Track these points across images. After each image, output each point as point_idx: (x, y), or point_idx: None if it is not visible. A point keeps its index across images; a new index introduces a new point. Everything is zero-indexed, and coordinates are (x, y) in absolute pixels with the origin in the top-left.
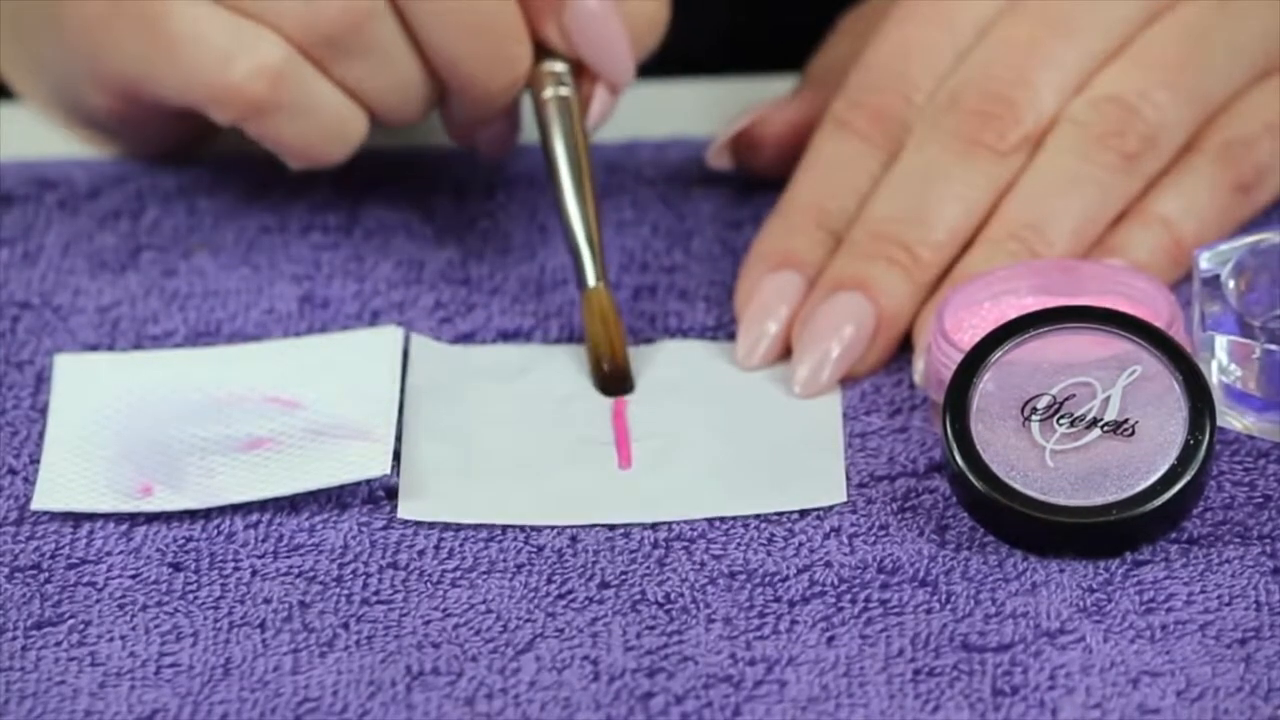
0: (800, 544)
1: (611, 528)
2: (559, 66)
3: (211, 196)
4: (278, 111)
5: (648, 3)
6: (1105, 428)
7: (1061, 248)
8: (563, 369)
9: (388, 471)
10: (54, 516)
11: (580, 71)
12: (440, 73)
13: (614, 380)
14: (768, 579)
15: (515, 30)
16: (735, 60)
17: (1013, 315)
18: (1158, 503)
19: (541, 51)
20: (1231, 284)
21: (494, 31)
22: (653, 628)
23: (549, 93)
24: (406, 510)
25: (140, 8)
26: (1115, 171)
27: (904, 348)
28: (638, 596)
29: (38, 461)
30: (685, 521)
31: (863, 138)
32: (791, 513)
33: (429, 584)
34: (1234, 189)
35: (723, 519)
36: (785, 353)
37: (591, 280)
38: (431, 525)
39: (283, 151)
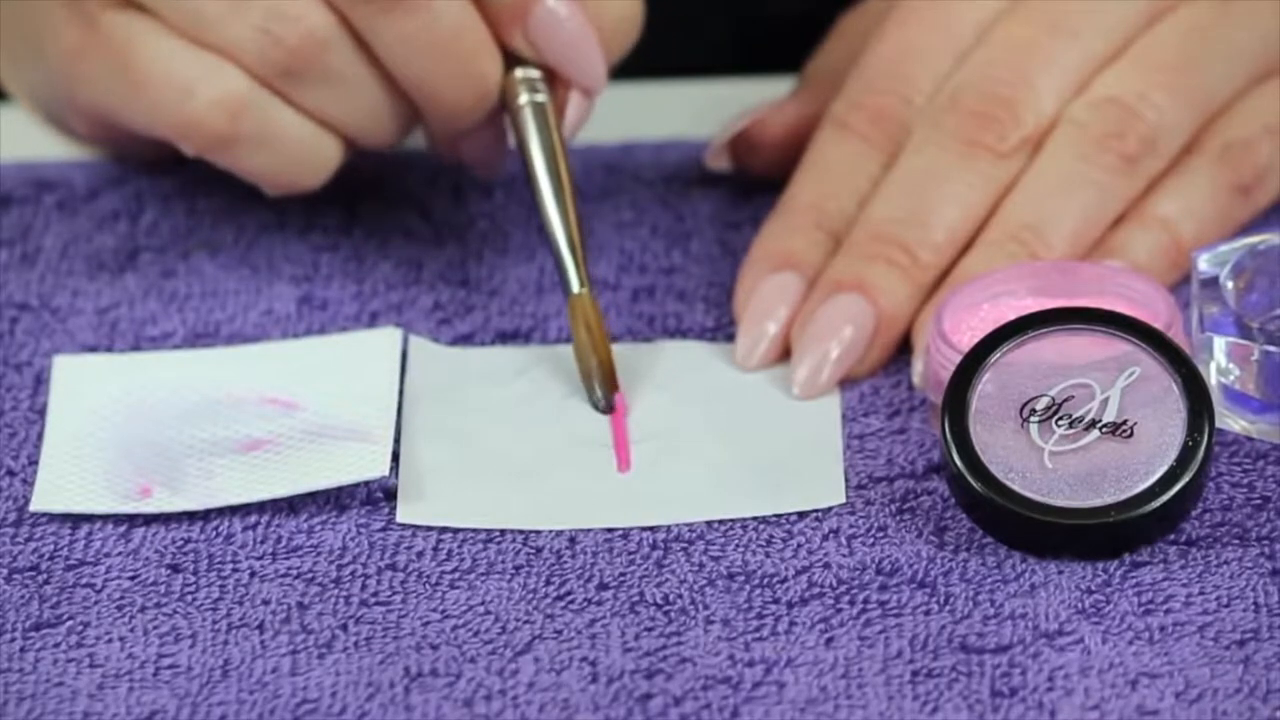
0: (799, 545)
1: (610, 529)
2: (532, 73)
3: (210, 197)
4: (241, 142)
5: (618, 3)
6: (1104, 429)
7: (1061, 249)
8: (561, 370)
9: (386, 473)
10: (52, 518)
11: (554, 76)
12: (408, 94)
13: (603, 389)
14: (766, 580)
15: (480, 44)
16: (735, 60)
17: (1011, 317)
18: (1156, 504)
19: (513, 59)
20: (1230, 285)
21: (458, 48)
22: (651, 629)
23: (523, 99)
24: (405, 514)
25: (109, 41)
26: (1115, 173)
27: (903, 349)
28: (636, 598)
29: (36, 463)
30: (684, 523)
31: (862, 138)
32: (790, 514)
33: (427, 585)
34: (1233, 190)
35: (721, 520)
36: (785, 353)
37: (575, 286)
38: (430, 527)
39: (254, 180)
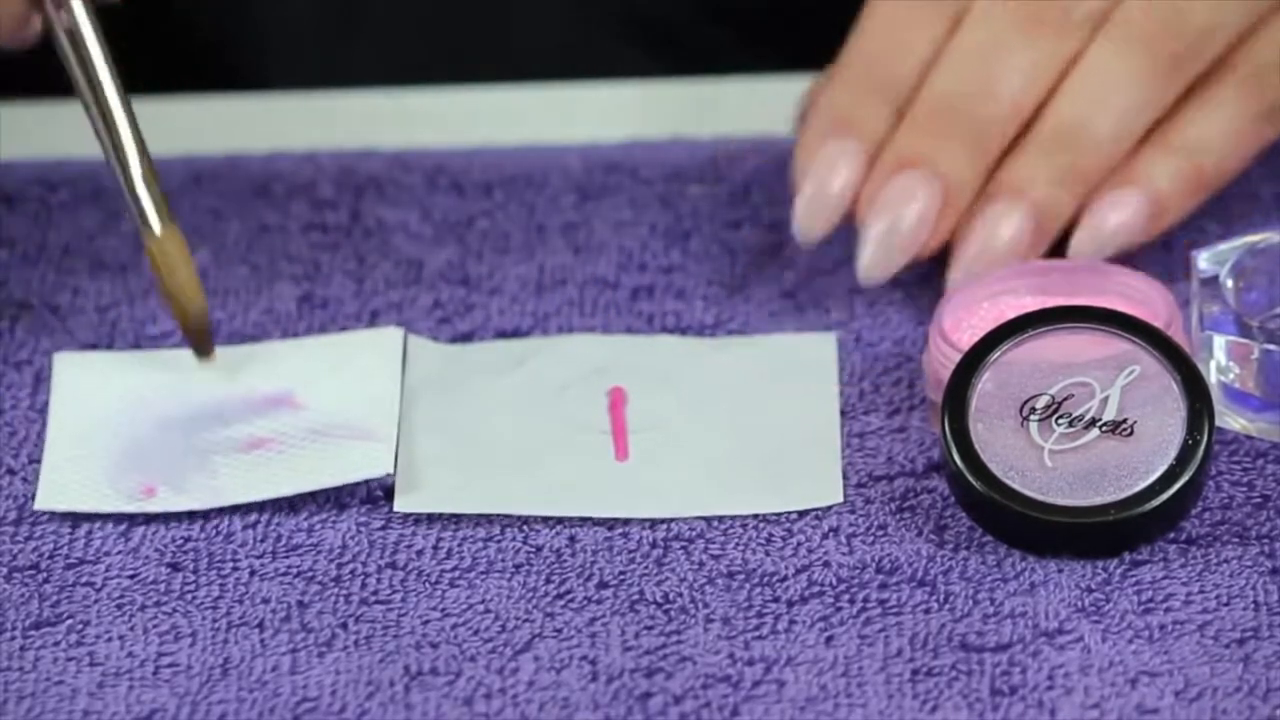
0: (799, 544)
1: (610, 527)
2: None
3: (211, 196)
4: None
5: None
6: (1104, 428)
7: (1106, 150)
8: (560, 359)
9: (390, 471)
10: (52, 516)
11: None
12: None
13: (199, 334)
14: (766, 579)
15: None
16: (736, 59)
17: (1011, 315)
18: (1156, 503)
19: None
20: (1230, 284)
21: None
22: (651, 628)
23: (56, 23)
24: (403, 504)
25: None
26: (1159, 75)
27: (904, 345)
28: (636, 596)
29: (36, 461)
30: (684, 521)
31: None
32: (790, 512)
33: (427, 584)
34: (1258, 116)
35: (721, 519)
36: (846, 219)
37: (158, 226)
38: (430, 525)
39: None
